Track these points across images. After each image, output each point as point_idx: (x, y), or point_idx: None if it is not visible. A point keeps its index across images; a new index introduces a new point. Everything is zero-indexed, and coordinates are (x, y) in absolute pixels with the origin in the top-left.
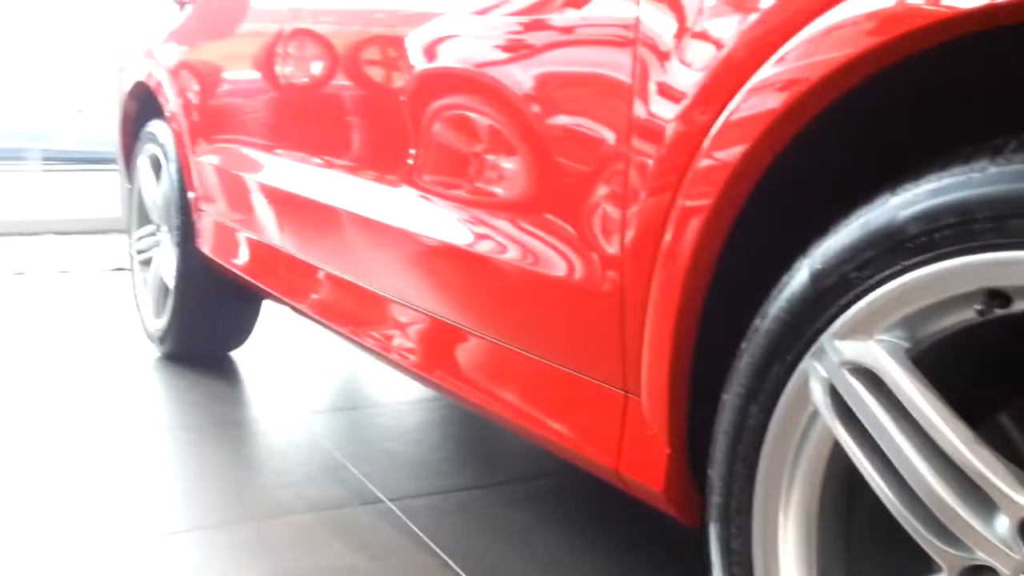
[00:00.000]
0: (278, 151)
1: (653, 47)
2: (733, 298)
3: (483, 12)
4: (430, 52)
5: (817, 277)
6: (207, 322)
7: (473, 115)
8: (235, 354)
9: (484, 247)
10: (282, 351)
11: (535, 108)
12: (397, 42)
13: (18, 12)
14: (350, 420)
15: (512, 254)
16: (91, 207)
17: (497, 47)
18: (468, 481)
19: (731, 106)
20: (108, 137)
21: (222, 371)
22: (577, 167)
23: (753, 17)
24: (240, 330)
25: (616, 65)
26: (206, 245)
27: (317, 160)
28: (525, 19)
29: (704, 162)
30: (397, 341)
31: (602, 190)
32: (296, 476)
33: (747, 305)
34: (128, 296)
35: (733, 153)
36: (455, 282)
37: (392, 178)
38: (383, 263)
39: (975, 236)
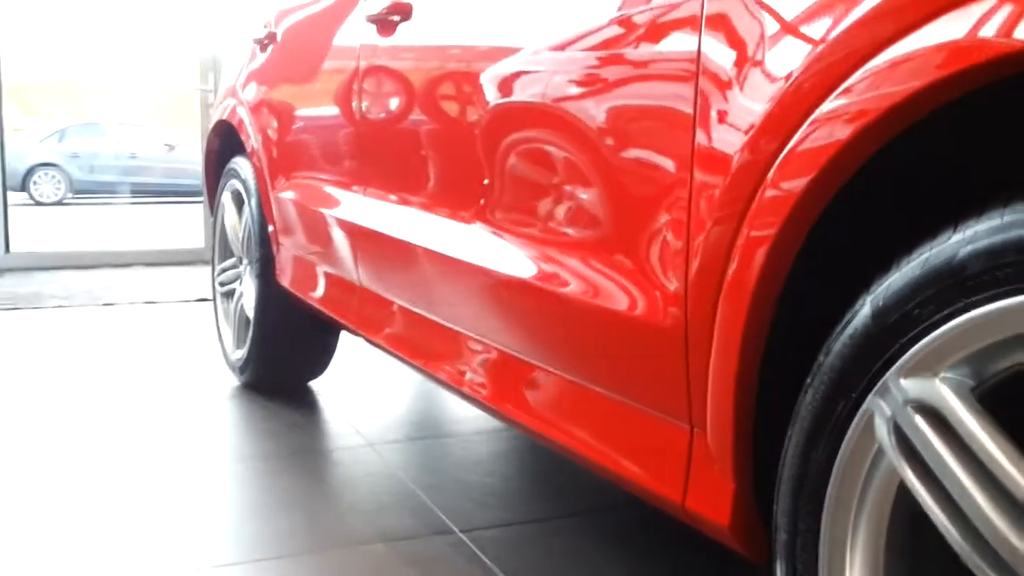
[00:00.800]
0: (354, 187)
1: (715, 79)
2: (799, 330)
3: (552, 49)
4: (499, 88)
5: (880, 314)
6: (286, 353)
7: (540, 151)
8: (314, 383)
9: (551, 282)
10: (359, 380)
11: (602, 143)
12: (469, 79)
13: (114, 46)
14: (423, 449)
15: (577, 288)
16: (177, 238)
17: (564, 83)
18: (539, 513)
19: (796, 137)
20: (194, 171)
21: (300, 400)
22: (642, 201)
23: (820, 48)
24: (319, 360)
25: (679, 98)
26: (285, 278)
27: (392, 196)
28: (593, 55)
29: (769, 192)
30: (468, 375)
31: (666, 223)
32: (369, 505)
33: (813, 337)
34: (210, 326)
35: (797, 184)
36: (524, 316)
37: (464, 214)
38: (454, 297)
39: None
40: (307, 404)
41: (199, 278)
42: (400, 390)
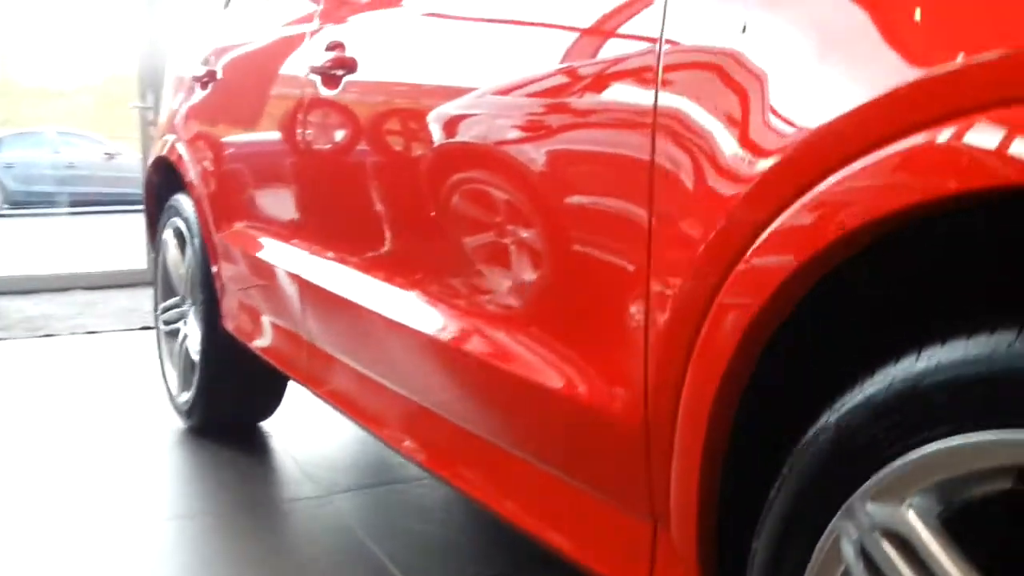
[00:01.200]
0: (300, 240)
1: (671, 179)
2: (768, 420)
3: (502, 120)
4: (444, 154)
5: (843, 435)
6: (235, 396)
7: (486, 221)
8: (264, 423)
9: (495, 357)
10: (309, 419)
11: (551, 214)
12: (413, 140)
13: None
14: (377, 498)
15: (525, 367)
16: (119, 255)
17: (512, 157)
18: (493, 564)
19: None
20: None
21: (250, 445)
22: (594, 282)
23: (773, 161)
24: (268, 401)
25: (634, 184)
26: (231, 323)
27: (337, 253)
28: (543, 125)
29: (726, 299)
30: (410, 440)
31: (621, 306)
32: (326, 564)
33: (783, 428)
34: (155, 358)
35: (771, 274)
36: (468, 389)
37: (403, 280)
38: (400, 362)
39: (1002, 412)
40: (257, 449)
41: (142, 302)
42: (351, 429)
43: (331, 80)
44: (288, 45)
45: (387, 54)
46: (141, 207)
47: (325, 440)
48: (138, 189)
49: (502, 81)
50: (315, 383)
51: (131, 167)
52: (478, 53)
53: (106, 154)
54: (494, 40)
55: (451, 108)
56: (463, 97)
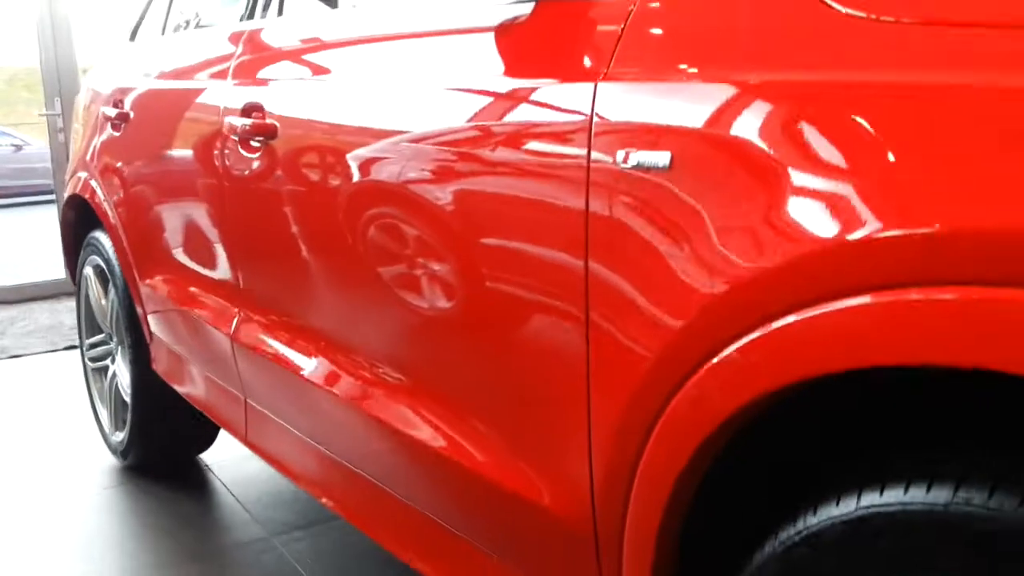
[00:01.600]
0: (224, 299)
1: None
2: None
3: (429, 206)
4: (367, 226)
5: (785, 569)
6: (172, 433)
7: (417, 308)
8: (204, 456)
9: (442, 448)
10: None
11: (482, 297)
12: (333, 211)
13: None
14: (326, 538)
15: (458, 453)
16: (35, 266)
17: (445, 247)
18: None
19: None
20: (45, 170)
21: (190, 483)
22: (536, 378)
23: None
24: (207, 434)
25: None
26: (161, 368)
27: (262, 319)
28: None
29: (667, 425)
30: (349, 504)
31: (564, 406)
32: None
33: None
34: (84, 388)
35: (703, 415)
36: (412, 470)
37: (340, 356)
38: (340, 434)
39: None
40: (198, 487)
41: (65, 317)
42: None
43: (250, 145)
44: (204, 97)
45: (310, 125)
46: (52, 198)
47: (265, 472)
48: (48, 180)
49: (433, 177)
50: (260, 448)
51: (40, 157)
52: (411, 134)
53: (13, 145)
54: (429, 123)
55: (375, 189)
56: (387, 181)
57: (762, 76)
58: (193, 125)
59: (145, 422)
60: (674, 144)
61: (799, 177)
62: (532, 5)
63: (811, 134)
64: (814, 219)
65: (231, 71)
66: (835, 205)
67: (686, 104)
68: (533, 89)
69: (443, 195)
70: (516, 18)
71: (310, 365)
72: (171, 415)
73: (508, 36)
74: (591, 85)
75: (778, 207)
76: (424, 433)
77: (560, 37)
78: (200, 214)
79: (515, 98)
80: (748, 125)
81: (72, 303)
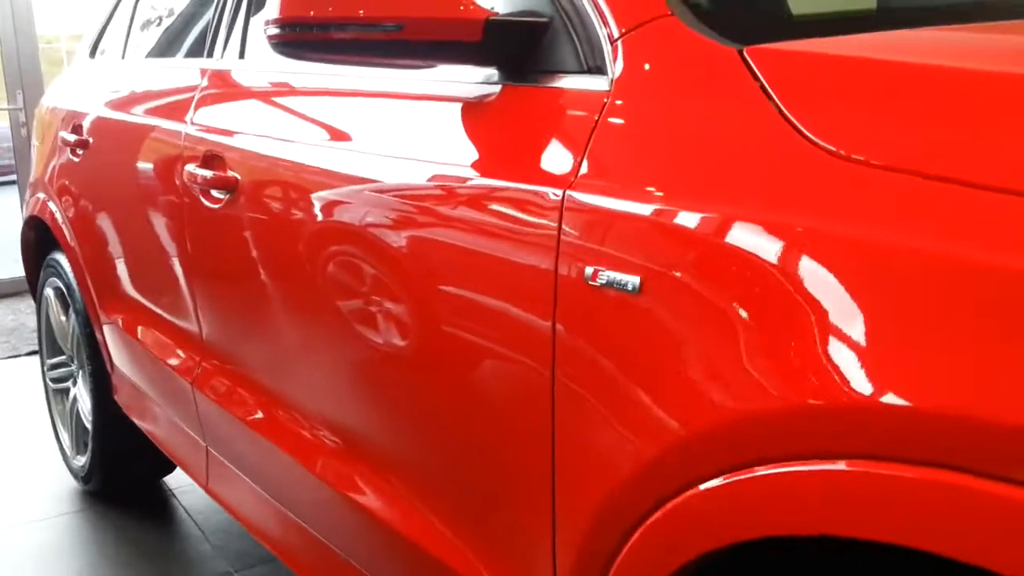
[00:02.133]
0: (188, 349)
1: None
2: None
3: (390, 280)
4: (329, 290)
5: None
6: (135, 459)
7: (382, 389)
8: (168, 479)
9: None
10: None
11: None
12: (290, 278)
13: None
14: (286, 572)
15: (423, 536)
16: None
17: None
18: None
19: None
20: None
21: (153, 509)
22: (499, 475)
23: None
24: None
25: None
26: (121, 399)
27: (213, 360)
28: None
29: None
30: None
31: (535, 535)
32: None
33: None
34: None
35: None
36: (359, 537)
37: (305, 423)
38: (299, 494)
39: None
40: (161, 514)
41: (28, 318)
42: None
43: (211, 195)
44: (164, 136)
45: (273, 183)
46: (12, 176)
47: None
48: (8, 160)
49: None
50: (214, 495)
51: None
52: (374, 209)
53: None
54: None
55: (337, 258)
56: (350, 252)
57: (734, 210)
58: (153, 165)
59: (107, 451)
60: (643, 269)
61: (754, 331)
62: (499, 88)
63: (770, 284)
64: (760, 377)
65: (191, 113)
66: (783, 365)
67: (658, 229)
68: (501, 187)
69: (409, 280)
70: (484, 96)
71: (270, 424)
72: (134, 442)
73: (477, 114)
74: (559, 193)
75: (731, 358)
76: (380, 507)
77: (528, 128)
78: (163, 258)
79: (483, 192)
80: (717, 263)
81: (31, 301)
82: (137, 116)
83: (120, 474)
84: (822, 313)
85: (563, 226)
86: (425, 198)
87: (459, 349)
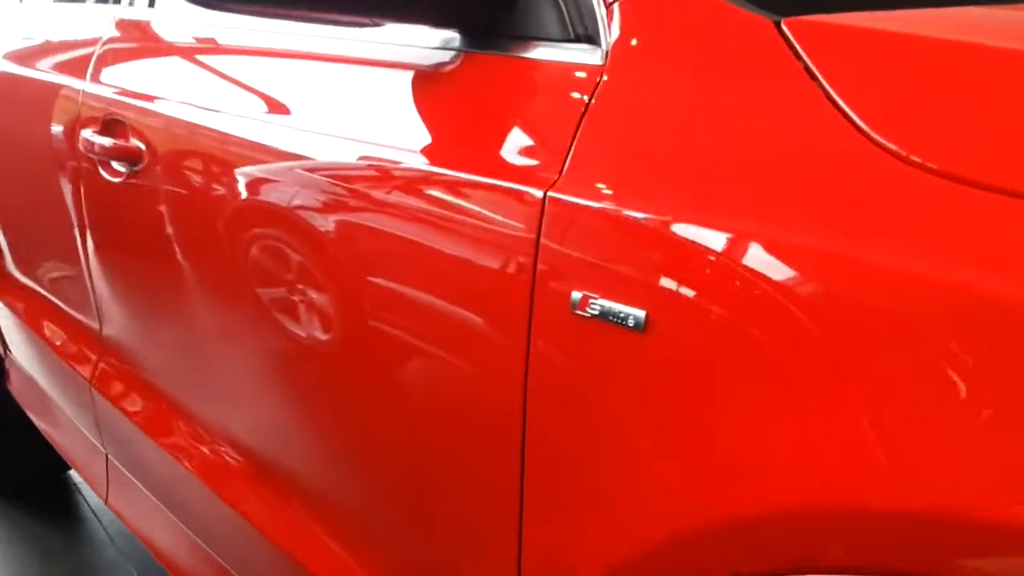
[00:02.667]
0: (76, 331)
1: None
2: None
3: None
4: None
5: None
6: (31, 449)
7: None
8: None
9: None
10: None
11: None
12: (203, 258)
13: None
14: None
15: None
16: None
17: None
18: None
19: None
20: None
21: (53, 506)
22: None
23: None
24: None
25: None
26: (16, 389)
27: (113, 359)
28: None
29: None
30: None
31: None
32: None
33: None
34: None
35: None
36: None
37: (197, 424)
38: (204, 519)
39: None
40: (64, 513)
41: None
42: None
43: (111, 168)
44: (62, 94)
45: (185, 156)
46: None
47: None
48: None
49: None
50: (115, 511)
51: None
52: (302, 191)
53: None
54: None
55: (255, 250)
56: (272, 243)
57: (771, 229)
58: (48, 129)
59: (3, 442)
60: (651, 300)
61: (809, 397)
62: (458, 56)
63: (829, 335)
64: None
65: (92, 69)
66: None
67: (673, 248)
68: (460, 181)
69: (341, 284)
70: (442, 64)
71: (173, 438)
72: (36, 435)
73: (432, 87)
74: (538, 194)
75: (776, 433)
76: (303, 549)
77: (497, 108)
78: (58, 237)
79: (437, 184)
80: (750, 299)
81: None
82: (33, 69)
83: (15, 466)
84: (917, 380)
85: (542, 238)
86: (358, 184)
87: (405, 387)
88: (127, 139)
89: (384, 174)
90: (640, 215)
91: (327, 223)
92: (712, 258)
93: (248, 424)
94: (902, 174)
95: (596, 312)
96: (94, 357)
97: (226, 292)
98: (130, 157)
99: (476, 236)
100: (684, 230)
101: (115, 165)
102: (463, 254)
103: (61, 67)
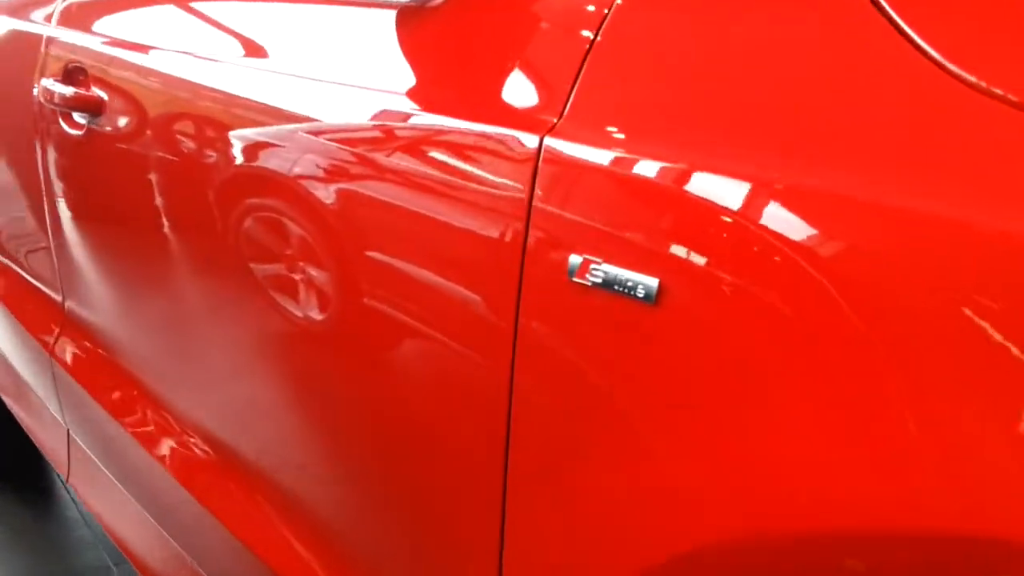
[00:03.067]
0: (34, 295)
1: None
2: None
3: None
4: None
5: None
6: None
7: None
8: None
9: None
10: None
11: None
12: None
13: None
14: None
15: None
16: None
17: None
18: None
19: None
20: None
21: (29, 494)
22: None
23: None
24: None
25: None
26: None
27: (74, 327)
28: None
29: None
30: None
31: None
32: None
33: None
34: None
35: None
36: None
37: (162, 406)
38: (169, 508)
39: None
40: (36, 491)
41: None
42: None
43: (72, 120)
44: (23, 39)
45: (149, 106)
46: None
47: None
48: None
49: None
50: (78, 493)
51: None
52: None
53: None
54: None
55: (221, 206)
56: (239, 200)
57: (827, 179)
58: (9, 77)
59: None
60: (666, 268)
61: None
62: None
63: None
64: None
65: (56, 13)
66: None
67: (695, 206)
68: (443, 128)
69: (321, 244)
70: (426, 1)
71: (137, 420)
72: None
73: (416, 22)
74: (533, 140)
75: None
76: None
77: (485, 40)
78: (18, 193)
79: (419, 132)
80: (794, 266)
81: None
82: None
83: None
84: (998, 372)
85: (536, 189)
86: (331, 135)
87: (377, 369)
88: (87, 88)
89: (361, 122)
90: (655, 164)
91: (300, 179)
92: (744, 216)
93: (210, 402)
94: (984, 109)
95: (599, 280)
96: (55, 324)
97: (189, 258)
98: (91, 107)
99: (461, 188)
100: (709, 181)
101: (76, 117)
102: (445, 208)
103: (24, 12)
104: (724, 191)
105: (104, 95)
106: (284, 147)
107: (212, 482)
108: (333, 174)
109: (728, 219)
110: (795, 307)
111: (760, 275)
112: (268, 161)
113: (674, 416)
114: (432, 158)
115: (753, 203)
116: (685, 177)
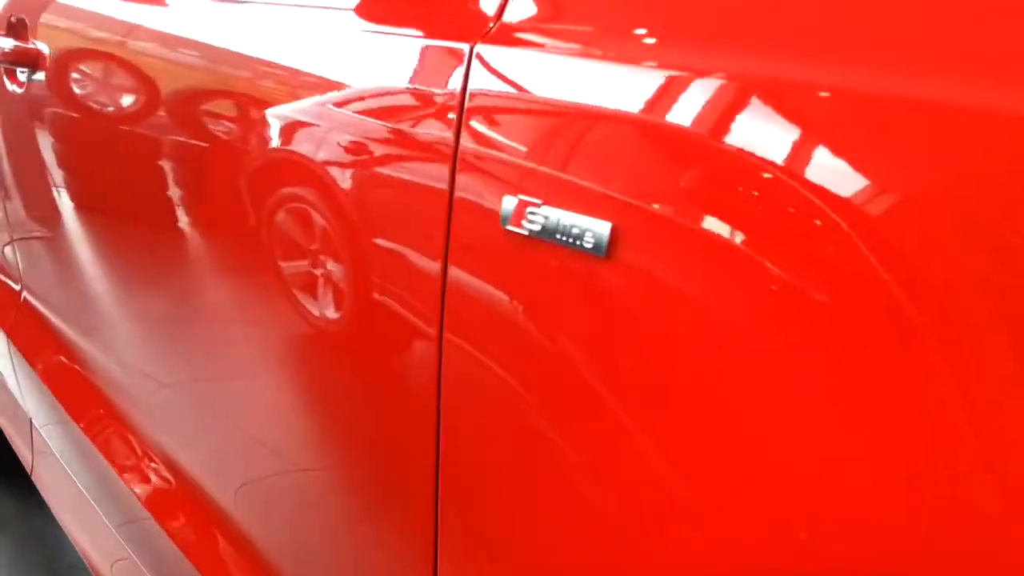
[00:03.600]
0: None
1: None
2: None
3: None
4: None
5: None
6: None
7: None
8: None
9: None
10: None
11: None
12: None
13: None
14: None
15: None
16: None
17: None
18: None
19: None
20: None
21: (16, 503)
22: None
23: None
24: None
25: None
26: None
27: (31, 308)
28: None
29: None
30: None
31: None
32: None
33: None
34: None
35: None
36: None
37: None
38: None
39: None
40: (9, 482)
41: None
42: None
43: (15, 77)
44: None
45: (85, 58)
46: None
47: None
48: None
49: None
50: (41, 488)
51: None
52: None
53: None
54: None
55: (156, 164)
56: (173, 158)
57: (834, 74)
58: None
59: None
60: (620, 211)
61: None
62: None
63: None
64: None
65: None
66: None
67: (658, 132)
68: (361, 31)
69: (237, 171)
70: None
71: (92, 415)
72: None
73: None
74: (462, 49)
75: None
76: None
77: None
78: None
79: (333, 33)
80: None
81: None
82: None
83: None
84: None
85: (466, 112)
86: (252, 65)
87: (296, 343)
88: (27, 41)
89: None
90: (613, 67)
91: (230, 117)
92: (725, 136)
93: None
94: None
95: (537, 227)
96: (12, 303)
97: (132, 225)
98: (30, 62)
99: (368, 110)
100: (680, 91)
101: (18, 74)
102: (357, 132)
103: None
104: (698, 101)
105: (45, 47)
106: (228, 80)
107: (159, 487)
108: (267, 103)
109: (709, 142)
110: (791, 257)
111: (744, 215)
112: (211, 103)
113: (630, 392)
114: (350, 68)
115: (736, 116)
116: (650, 86)
